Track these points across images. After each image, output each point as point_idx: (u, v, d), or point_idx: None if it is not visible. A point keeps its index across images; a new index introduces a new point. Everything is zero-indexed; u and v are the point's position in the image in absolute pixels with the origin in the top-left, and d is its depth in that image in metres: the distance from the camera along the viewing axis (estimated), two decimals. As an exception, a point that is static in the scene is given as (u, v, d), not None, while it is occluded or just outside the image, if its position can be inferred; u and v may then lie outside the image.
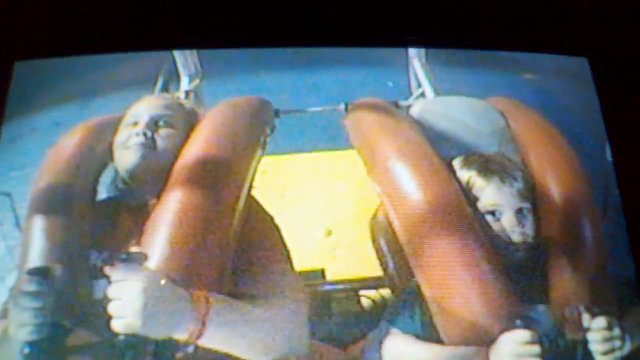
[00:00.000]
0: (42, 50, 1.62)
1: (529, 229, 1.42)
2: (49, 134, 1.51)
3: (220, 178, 1.39)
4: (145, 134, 1.45)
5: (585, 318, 1.32)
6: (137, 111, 1.51)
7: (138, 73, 1.67)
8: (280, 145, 1.61)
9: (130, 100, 1.54)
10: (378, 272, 1.51)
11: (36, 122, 1.56)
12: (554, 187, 1.47)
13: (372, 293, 1.52)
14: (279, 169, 1.62)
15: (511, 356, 1.26)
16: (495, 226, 1.41)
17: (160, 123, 1.48)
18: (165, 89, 1.75)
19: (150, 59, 1.72)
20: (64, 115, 1.57)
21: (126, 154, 1.45)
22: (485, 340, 1.29)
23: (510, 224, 1.40)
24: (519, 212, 1.42)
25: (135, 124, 1.48)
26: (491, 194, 1.42)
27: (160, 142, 1.46)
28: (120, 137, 1.48)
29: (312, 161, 1.66)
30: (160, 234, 1.29)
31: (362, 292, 1.53)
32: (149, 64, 1.72)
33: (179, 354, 1.22)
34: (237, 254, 1.34)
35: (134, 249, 1.30)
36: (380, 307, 1.49)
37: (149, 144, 1.45)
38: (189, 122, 1.52)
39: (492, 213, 1.41)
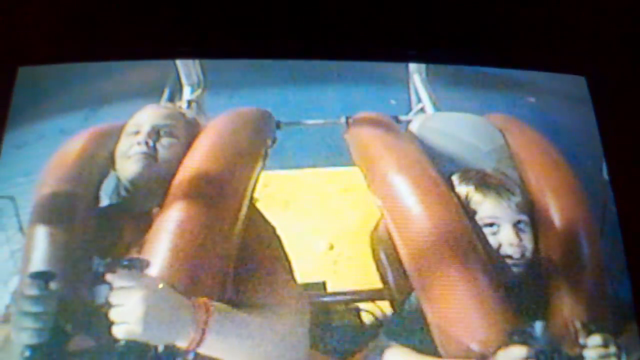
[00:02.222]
0: (45, 56, 1.62)
1: (527, 242, 1.43)
2: (54, 140, 1.51)
3: (221, 188, 1.40)
4: (146, 143, 1.46)
5: (582, 335, 1.33)
6: (138, 120, 1.52)
7: (143, 82, 1.67)
8: (284, 160, 1.61)
9: (135, 109, 1.54)
10: (378, 285, 1.51)
11: (41, 128, 1.56)
12: (552, 205, 1.48)
13: (371, 306, 1.52)
14: (282, 183, 1.62)
15: (508, 372, 1.27)
16: (493, 240, 1.41)
17: (162, 132, 1.48)
18: (171, 99, 1.75)
19: (155, 68, 1.73)
20: (69, 123, 1.57)
21: (128, 163, 1.46)
22: (482, 355, 1.29)
23: (508, 238, 1.41)
24: (517, 225, 1.43)
25: (137, 133, 1.49)
26: (489, 207, 1.44)
27: (161, 152, 1.46)
28: (122, 146, 1.49)
29: (315, 176, 1.66)
30: (163, 242, 1.29)
31: (362, 305, 1.53)
32: (155, 73, 1.73)
33: (178, 361, 1.22)
34: (238, 263, 1.34)
35: (136, 256, 1.30)
36: (379, 319, 1.49)
37: (151, 153, 1.45)
38: (191, 132, 1.52)
39: (490, 226, 1.42)
